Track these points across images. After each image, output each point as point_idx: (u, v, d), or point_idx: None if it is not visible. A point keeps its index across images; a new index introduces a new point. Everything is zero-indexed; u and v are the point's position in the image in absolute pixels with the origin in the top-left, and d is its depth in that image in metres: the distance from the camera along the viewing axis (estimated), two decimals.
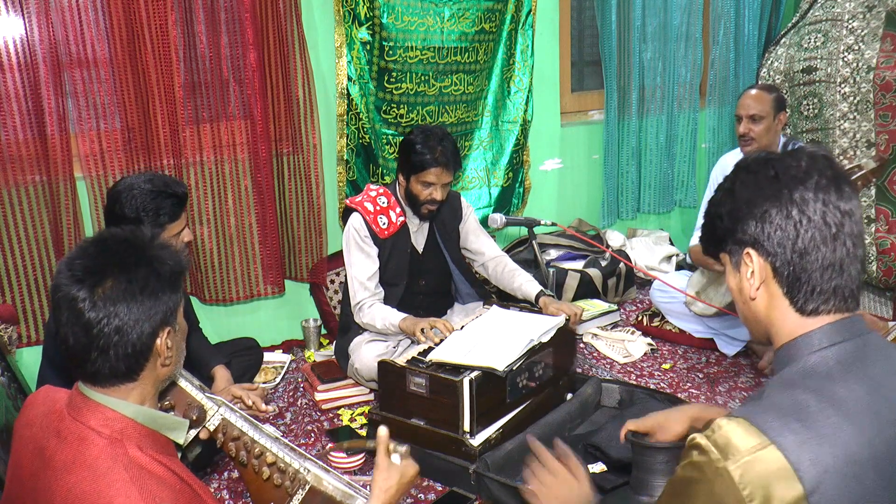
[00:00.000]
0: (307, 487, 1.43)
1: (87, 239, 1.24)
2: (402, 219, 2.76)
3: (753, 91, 2.99)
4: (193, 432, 1.37)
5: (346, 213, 2.81)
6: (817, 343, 1.04)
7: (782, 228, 1.05)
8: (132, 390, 1.21)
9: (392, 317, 2.59)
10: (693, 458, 0.99)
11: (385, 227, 2.71)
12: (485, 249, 2.94)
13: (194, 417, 1.37)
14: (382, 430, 1.41)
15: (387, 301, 2.74)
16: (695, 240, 3.16)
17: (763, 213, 1.06)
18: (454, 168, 2.67)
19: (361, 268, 2.69)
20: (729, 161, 3.20)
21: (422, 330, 2.46)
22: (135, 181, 2.15)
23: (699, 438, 0.98)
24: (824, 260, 1.04)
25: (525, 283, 2.79)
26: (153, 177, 2.18)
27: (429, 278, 2.89)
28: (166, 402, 1.38)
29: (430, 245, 2.87)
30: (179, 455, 1.31)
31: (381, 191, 2.78)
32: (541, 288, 2.76)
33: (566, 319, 2.52)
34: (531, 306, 2.73)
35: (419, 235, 2.85)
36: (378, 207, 2.72)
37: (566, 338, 2.59)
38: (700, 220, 3.49)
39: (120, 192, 2.12)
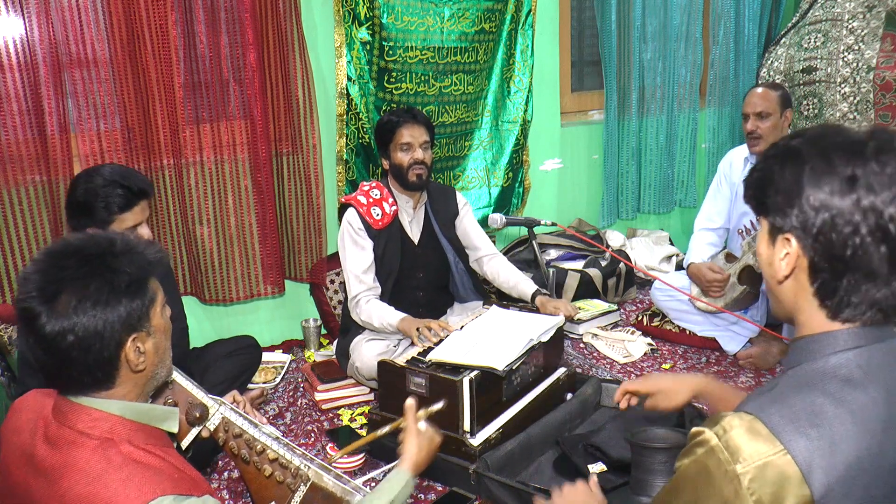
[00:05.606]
0: (308, 483, 1.43)
1: (42, 250, 1.19)
2: (394, 208, 2.77)
3: (759, 89, 3.03)
4: (195, 431, 1.37)
5: (341, 211, 2.82)
6: (842, 343, 0.98)
7: (837, 231, 0.94)
8: (113, 395, 1.19)
9: (390, 317, 2.59)
10: (699, 455, 0.96)
11: (379, 217, 2.73)
12: (480, 245, 2.94)
13: (197, 415, 1.37)
14: (410, 401, 1.55)
15: (384, 296, 2.74)
16: (695, 257, 3.13)
17: (821, 205, 0.95)
18: (425, 125, 2.76)
19: (356, 261, 2.69)
20: (736, 156, 3.20)
21: (417, 330, 2.46)
22: (98, 168, 2.17)
23: (708, 434, 0.95)
24: (872, 271, 0.95)
25: (521, 282, 2.80)
26: (116, 168, 2.19)
27: (427, 271, 2.88)
28: (169, 401, 1.37)
29: (427, 236, 2.87)
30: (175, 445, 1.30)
31: (374, 184, 2.80)
32: (537, 287, 2.76)
33: (566, 319, 2.52)
34: (528, 304, 2.73)
35: (414, 225, 2.85)
36: (371, 199, 2.74)
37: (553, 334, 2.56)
38: (701, 225, 3.38)
39: (79, 177, 2.13)
